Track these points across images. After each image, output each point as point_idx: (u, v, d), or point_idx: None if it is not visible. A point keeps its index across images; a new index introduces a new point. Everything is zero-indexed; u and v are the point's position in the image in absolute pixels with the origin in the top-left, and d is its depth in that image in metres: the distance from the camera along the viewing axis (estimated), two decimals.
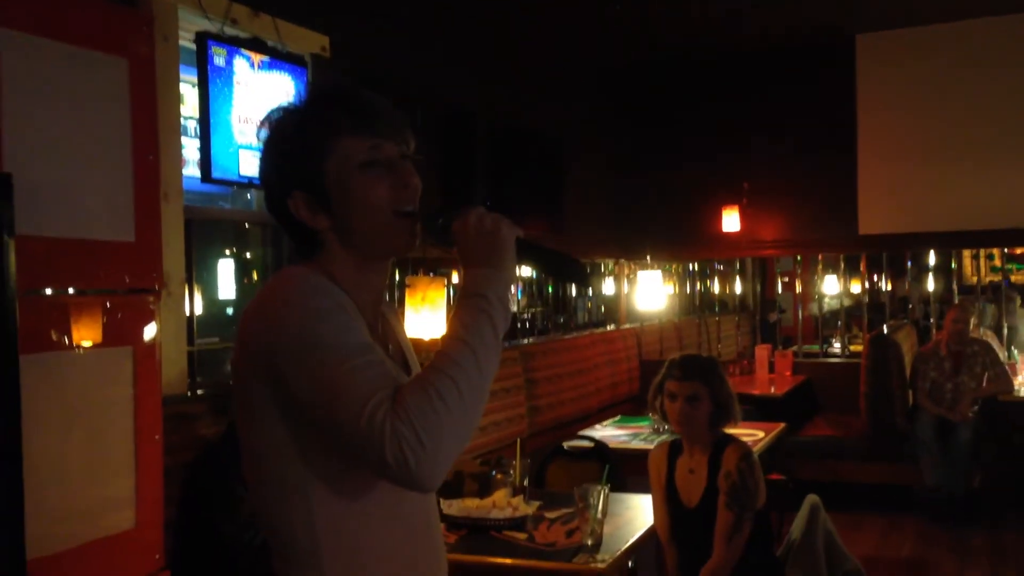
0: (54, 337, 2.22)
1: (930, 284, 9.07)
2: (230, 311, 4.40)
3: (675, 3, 5.99)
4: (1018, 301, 9.26)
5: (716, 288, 9.53)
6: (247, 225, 4.39)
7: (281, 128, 1.33)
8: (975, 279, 10.26)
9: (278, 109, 1.35)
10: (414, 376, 1.24)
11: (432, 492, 1.29)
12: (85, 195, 2.32)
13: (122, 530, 2.41)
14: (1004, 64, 6.72)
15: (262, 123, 1.36)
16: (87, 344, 2.32)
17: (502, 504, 2.97)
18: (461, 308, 1.24)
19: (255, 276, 4.37)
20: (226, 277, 4.34)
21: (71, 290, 2.29)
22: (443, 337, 1.24)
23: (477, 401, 1.19)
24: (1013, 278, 10.85)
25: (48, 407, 2.14)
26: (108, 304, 2.38)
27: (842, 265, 8.90)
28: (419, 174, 1.34)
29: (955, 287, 8.40)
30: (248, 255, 4.40)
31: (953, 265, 8.10)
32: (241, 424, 1.32)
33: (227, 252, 4.33)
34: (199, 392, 3.51)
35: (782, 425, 4.86)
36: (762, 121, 7.38)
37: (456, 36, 5.49)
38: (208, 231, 4.16)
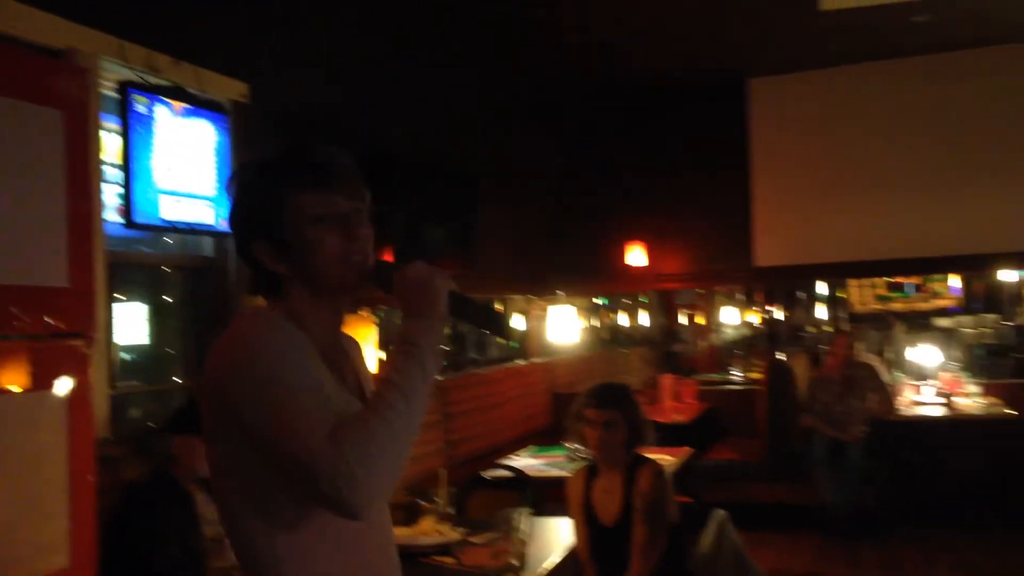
0: None
1: (821, 313, 9.55)
2: (136, 356, 4.41)
3: (578, 50, 6.29)
4: (901, 328, 9.84)
5: (623, 321, 9.83)
6: (165, 269, 4.42)
7: (246, 183, 1.47)
8: (862, 307, 10.84)
9: (245, 164, 1.49)
10: (352, 415, 1.35)
11: (362, 518, 1.35)
12: (22, 243, 2.39)
13: (57, 569, 2.45)
14: (889, 106, 7.23)
15: (231, 177, 1.50)
16: (21, 388, 2.37)
17: (429, 531, 3.10)
18: (396, 354, 1.39)
19: (173, 320, 4.40)
20: (144, 321, 4.36)
21: (6, 335, 2.34)
22: (379, 380, 1.39)
23: (407, 439, 1.34)
24: (894, 306, 11.49)
25: None
26: (43, 348, 2.44)
27: (741, 297, 9.32)
28: (370, 224, 1.49)
29: (847, 315, 8.90)
30: (165, 298, 4.43)
31: (839, 295, 8.57)
32: (208, 447, 1.43)
33: (145, 296, 4.36)
34: (120, 436, 3.56)
35: (689, 450, 5.11)
36: (664, 159, 7.75)
37: (372, 80, 5.65)
38: (126, 275, 4.19)
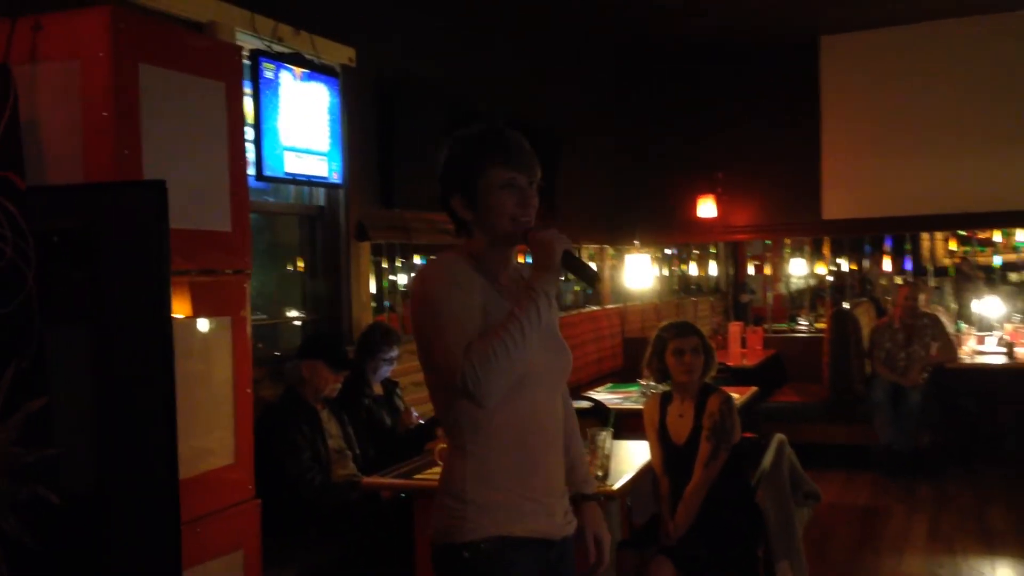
0: (178, 308, 2.78)
1: (890, 265, 9.70)
2: (258, 294, 4.93)
3: (658, 9, 6.59)
4: (981, 281, 9.96)
5: (693, 271, 10.15)
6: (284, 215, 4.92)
7: (454, 152, 1.98)
8: (944, 260, 10.94)
9: (455, 136, 2.00)
10: (485, 332, 1.86)
11: (485, 406, 1.85)
12: (197, 195, 2.87)
13: (225, 464, 2.98)
14: (959, 63, 7.40)
15: (443, 146, 2.00)
16: (197, 315, 2.89)
17: None
18: (522, 295, 1.91)
19: (290, 262, 4.93)
20: (267, 262, 4.89)
21: (186, 271, 2.84)
22: (508, 312, 1.89)
23: (519, 356, 1.84)
24: (979, 259, 11.51)
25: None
26: (213, 283, 2.95)
27: (808, 248, 9.57)
28: (538, 196, 1.98)
29: (925, 267, 9.06)
30: (284, 242, 4.95)
31: (909, 247, 8.77)
32: (417, 346, 1.97)
33: (266, 240, 4.88)
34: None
35: (754, 388, 5.50)
36: (735, 115, 8.03)
37: (462, 40, 6.07)
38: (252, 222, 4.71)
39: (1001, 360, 6.89)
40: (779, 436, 3.54)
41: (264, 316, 4.62)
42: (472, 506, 1.90)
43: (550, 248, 1.90)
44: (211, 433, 2.96)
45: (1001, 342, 7.23)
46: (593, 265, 8.32)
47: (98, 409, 2.43)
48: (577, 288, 8.64)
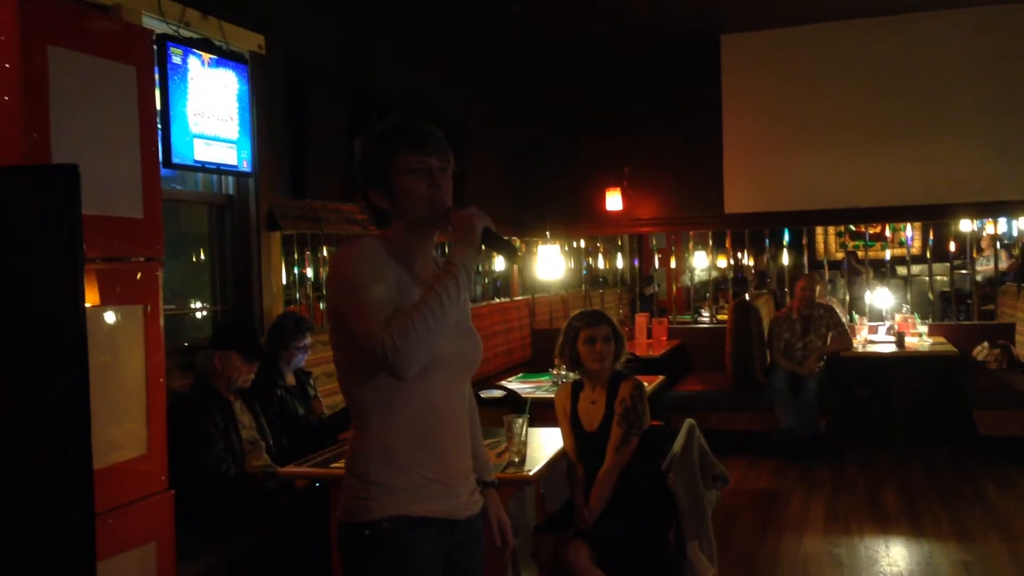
0: (88, 297, 2.71)
1: (787, 259, 10.02)
2: (166, 284, 4.83)
3: (567, 7, 6.68)
4: (869, 274, 10.41)
5: (600, 264, 10.31)
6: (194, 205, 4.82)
7: (365, 146, 2.02)
8: (837, 255, 11.38)
9: (367, 131, 2.03)
10: (405, 307, 1.88)
11: (406, 379, 1.86)
12: (108, 180, 2.80)
13: (137, 455, 2.92)
14: (854, 63, 7.70)
15: (357, 142, 2.03)
16: (108, 303, 2.81)
17: None
18: (442, 269, 1.93)
19: (199, 251, 4.83)
20: (176, 251, 4.78)
21: (93, 259, 2.76)
22: (427, 285, 1.92)
23: (438, 328, 1.86)
24: (860, 254, 12.08)
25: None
26: (124, 270, 2.88)
27: (710, 242, 9.82)
28: (452, 180, 2.01)
29: (815, 260, 9.39)
30: (193, 231, 4.85)
31: (805, 242, 9.09)
32: (330, 330, 2.01)
33: (174, 230, 4.77)
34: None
35: (661, 377, 5.64)
36: (641, 110, 8.19)
37: (369, 31, 6.03)
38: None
39: (891, 348, 7.21)
40: (689, 421, 3.65)
41: (172, 306, 4.52)
42: (375, 486, 1.94)
43: (470, 224, 1.93)
44: (123, 424, 2.90)
45: (891, 332, 7.57)
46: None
47: (7, 401, 2.36)
48: (486, 281, 8.71)
